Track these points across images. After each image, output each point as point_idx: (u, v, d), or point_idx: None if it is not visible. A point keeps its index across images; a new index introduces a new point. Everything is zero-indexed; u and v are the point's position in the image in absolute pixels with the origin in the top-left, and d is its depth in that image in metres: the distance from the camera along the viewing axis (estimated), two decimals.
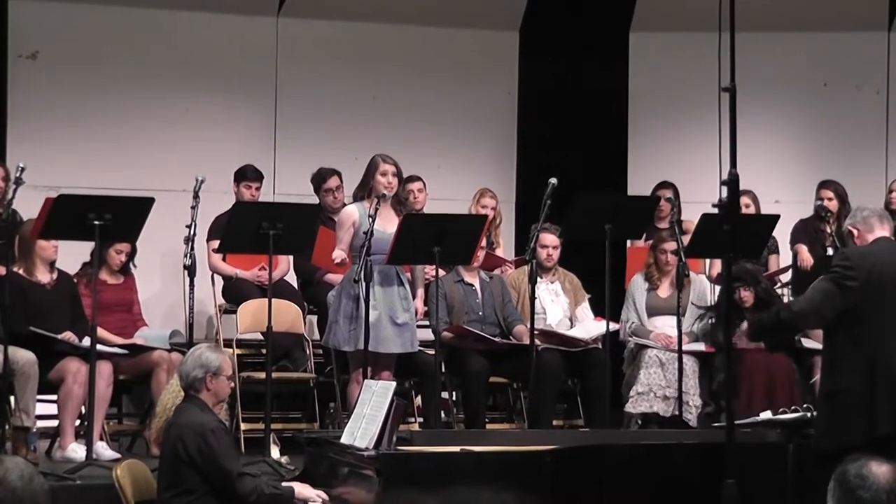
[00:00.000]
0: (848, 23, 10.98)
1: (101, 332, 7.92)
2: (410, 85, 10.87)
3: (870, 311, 5.78)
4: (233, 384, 6.19)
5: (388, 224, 7.85)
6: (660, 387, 8.66)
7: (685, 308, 8.77)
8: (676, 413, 8.50)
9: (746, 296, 8.62)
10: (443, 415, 8.56)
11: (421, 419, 8.64)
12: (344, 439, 6.14)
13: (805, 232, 9.57)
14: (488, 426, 8.72)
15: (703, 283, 9.18)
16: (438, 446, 6.33)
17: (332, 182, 9.48)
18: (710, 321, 8.85)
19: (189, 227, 7.98)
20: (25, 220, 8.21)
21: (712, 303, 8.95)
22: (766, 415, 6.25)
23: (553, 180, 8.30)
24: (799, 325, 6.58)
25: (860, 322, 5.80)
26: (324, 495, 5.96)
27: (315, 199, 9.42)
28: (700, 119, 9.52)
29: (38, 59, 10.10)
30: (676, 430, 8.23)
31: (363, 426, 6.02)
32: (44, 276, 8.21)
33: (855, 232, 6.07)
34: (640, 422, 8.74)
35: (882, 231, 6.02)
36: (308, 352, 9.01)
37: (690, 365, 8.71)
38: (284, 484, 6.07)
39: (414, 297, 8.13)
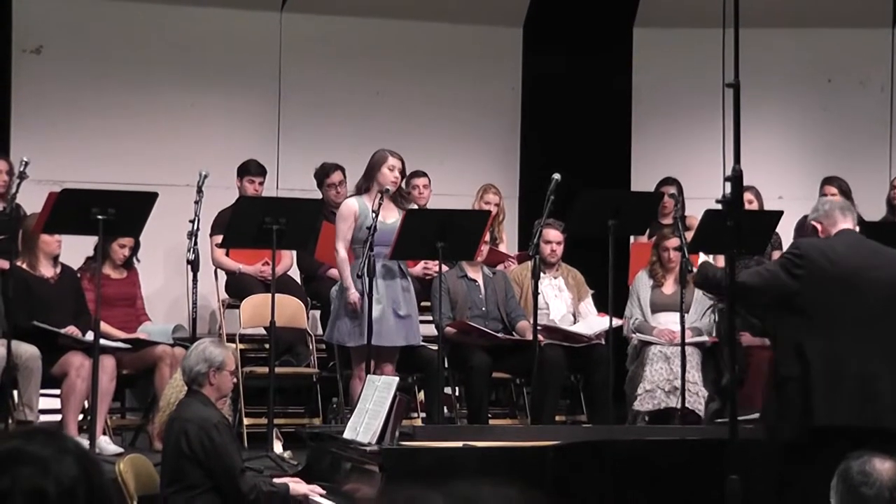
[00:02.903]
0: (852, 19, 10.96)
1: (104, 326, 7.92)
2: (414, 80, 10.86)
3: (819, 302, 5.68)
4: (236, 379, 6.19)
5: (388, 215, 7.85)
6: (667, 381, 8.64)
7: (689, 305, 8.74)
8: (678, 407, 8.48)
9: None
10: (445, 410, 8.57)
11: (423, 414, 8.63)
12: (346, 434, 6.13)
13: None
14: (491, 421, 8.72)
15: None
16: (441, 441, 6.33)
17: (336, 177, 9.48)
18: (717, 311, 8.81)
19: (192, 221, 7.97)
20: (29, 214, 8.22)
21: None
22: None
23: (556, 176, 8.29)
24: (737, 294, 6.43)
25: (807, 313, 5.71)
26: (317, 489, 5.96)
27: (318, 194, 9.42)
28: (704, 115, 9.53)
29: (42, 54, 10.10)
30: (680, 426, 8.23)
31: (366, 421, 6.02)
32: (47, 271, 8.21)
33: (819, 227, 5.92)
34: (647, 419, 8.73)
35: (845, 223, 5.89)
36: (311, 347, 9.01)
37: (694, 356, 8.68)
38: (278, 481, 6.07)
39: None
